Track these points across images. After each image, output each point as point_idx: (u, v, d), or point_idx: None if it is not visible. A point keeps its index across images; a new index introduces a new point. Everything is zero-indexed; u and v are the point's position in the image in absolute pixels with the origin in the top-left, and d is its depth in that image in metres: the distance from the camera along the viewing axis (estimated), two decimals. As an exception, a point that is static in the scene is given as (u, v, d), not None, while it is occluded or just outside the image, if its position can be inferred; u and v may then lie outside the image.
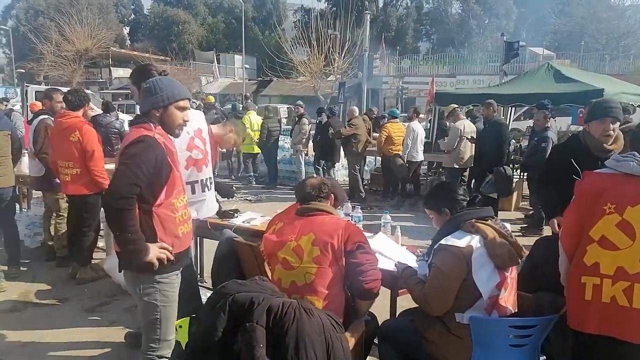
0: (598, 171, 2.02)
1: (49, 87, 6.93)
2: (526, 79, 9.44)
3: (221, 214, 3.78)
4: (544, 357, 2.42)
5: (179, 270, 2.30)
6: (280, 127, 10.28)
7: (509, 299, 2.24)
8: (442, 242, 2.21)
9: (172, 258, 2.18)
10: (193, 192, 2.90)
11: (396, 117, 8.64)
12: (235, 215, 3.82)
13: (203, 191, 3.01)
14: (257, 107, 11.64)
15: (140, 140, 2.08)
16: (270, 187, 9.68)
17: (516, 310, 2.27)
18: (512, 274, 2.26)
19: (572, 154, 2.77)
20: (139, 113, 2.28)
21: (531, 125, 8.03)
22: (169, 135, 2.28)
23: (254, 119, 9.79)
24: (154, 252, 2.10)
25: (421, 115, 9.22)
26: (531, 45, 26.50)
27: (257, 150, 9.84)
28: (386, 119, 9.13)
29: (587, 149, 2.80)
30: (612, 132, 2.74)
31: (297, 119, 9.70)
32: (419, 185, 8.72)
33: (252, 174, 10.19)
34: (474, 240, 2.17)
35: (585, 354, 2.06)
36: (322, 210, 2.49)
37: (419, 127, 8.25)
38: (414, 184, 8.64)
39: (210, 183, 3.09)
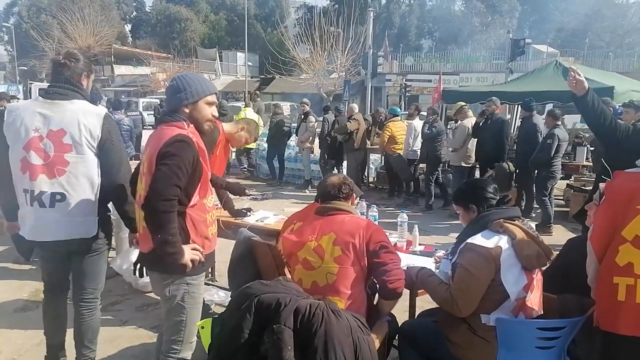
0: (630, 171, 1.98)
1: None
2: (534, 76, 9.38)
3: (234, 212, 3.75)
4: (570, 360, 2.39)
5: (205, 272, 2.27)
6: (288, 124, 10.32)
7: (535, 301, 2.20)
8: (469, 241, 2.17)
9: (202, 259, 2.15)
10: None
11: (397, 115, 8.56)
12: (248, 213, 3.79)
13: (30, 205, 2.34)
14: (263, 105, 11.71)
15: (178, 140, 2.03)
16: (276, 184, 9.70)
17: (542, 312, 2.24)
18: (537, 276, 2.23)
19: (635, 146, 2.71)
20: (165, 110, 2.23)
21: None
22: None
23: (249, 116, 9.83)
24: (188, 254, 2.07)
25: (422, 113, 9.17)
26: (535, 42, 26.39)
27: (251, 145, 9.91)
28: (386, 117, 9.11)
29: None
30: None
31: (303, 116, 9.68)
32: (418, 184, 8.55)
33: (244, 166, 10.43)
34: (502, 241, 2.13)
35: (615, 355, 2.02)
36: (342, 210, 2.45)
37: (419, 125, 8.15)
38: (414, 183, 8.43)
39: (54, 201, 2.33)
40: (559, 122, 6.48)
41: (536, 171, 6.54)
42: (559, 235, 6.01)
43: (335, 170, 8.97)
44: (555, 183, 6.56)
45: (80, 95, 2.44)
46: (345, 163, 9.13)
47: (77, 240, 2.42)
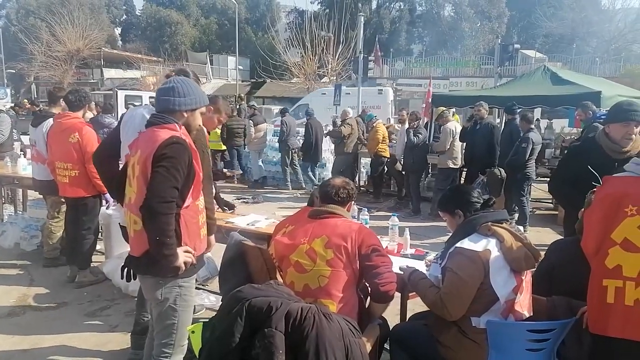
0: (618, 175, 2.00)
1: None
2: (522, 81, 9.46)
3: (222, 202, 3.86)
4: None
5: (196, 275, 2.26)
6: (240, 126, 10.39)
7: (524, 303, 2.22)
8: (458, 245, 2.18)
9: (194, 261, 2.14)
10: None
11: (374, 117, 8.82)
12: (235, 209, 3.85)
13: None
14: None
15: (174, 142, 2.04)
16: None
17: (531, 314, 2.26)
18: (527, 278, 2.24)
19: (588, 156, 2.76)
20: (156, 112, 2.21)
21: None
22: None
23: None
24: (182, 256, 2.07)
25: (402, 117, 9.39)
26: (523, 48, 26.68)
27: (224, 147, 10.16)
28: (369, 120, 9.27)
29: (603, 151, 2.78)
30: (634, 135, 2.72)
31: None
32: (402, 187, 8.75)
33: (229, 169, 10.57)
34: (491, 244, 2.15)
35: (605, 358, 2.04)
36: (334, 214, 2.45)
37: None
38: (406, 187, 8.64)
39: None
40: (533, 126, 6.72)
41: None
42: (548, 239, 6.06)
43: (313, 173, 9.36)
44: (530, 183, 6.76)
45: None
46: (328, 165, 9.33)
47: None
